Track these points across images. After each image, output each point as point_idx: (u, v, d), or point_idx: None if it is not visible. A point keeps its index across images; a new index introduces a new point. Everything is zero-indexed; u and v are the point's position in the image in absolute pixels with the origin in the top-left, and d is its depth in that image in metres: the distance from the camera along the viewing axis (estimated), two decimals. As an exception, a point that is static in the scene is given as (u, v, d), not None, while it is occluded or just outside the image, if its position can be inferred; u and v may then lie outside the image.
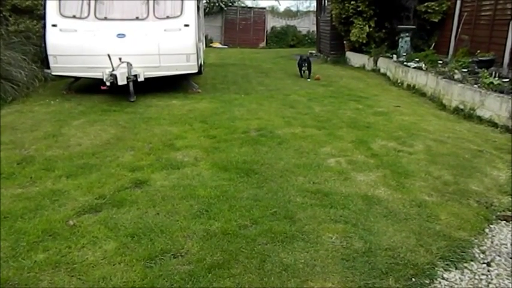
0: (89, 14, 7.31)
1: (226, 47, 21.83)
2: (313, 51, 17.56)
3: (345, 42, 14.02)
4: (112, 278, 2.45)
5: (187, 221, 3.09)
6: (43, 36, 7.47)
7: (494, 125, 5.90)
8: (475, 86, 6.59)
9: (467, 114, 6.49)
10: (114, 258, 2.63)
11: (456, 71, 7.55)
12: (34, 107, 6.64)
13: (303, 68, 10.22)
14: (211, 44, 21.17)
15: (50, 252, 2.68)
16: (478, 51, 8.54)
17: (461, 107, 6.68)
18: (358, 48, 12.93)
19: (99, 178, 3.85)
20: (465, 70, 7.54)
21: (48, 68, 7.42)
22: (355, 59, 13.45)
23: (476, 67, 7.67)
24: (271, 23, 24.18)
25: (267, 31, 23.69)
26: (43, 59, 7.93)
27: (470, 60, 8.15)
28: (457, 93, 6.85)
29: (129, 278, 2.45)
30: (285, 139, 5.06)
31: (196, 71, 7.92)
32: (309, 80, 9.90)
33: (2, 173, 3.91)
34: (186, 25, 7.49)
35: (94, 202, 3.37)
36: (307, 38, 23.87)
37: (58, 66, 7.29)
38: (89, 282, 2.40)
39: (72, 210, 3.24)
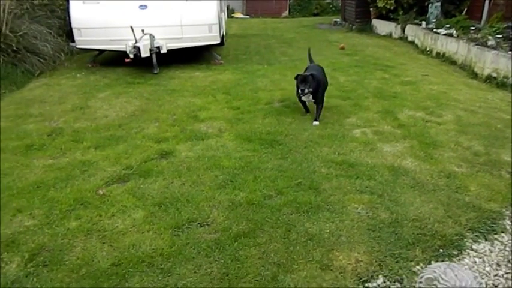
0: (110, -14, 7.26)
1: (248, 17, 21.43)
2: (338, 20, 17.04)
3: (371, 9, 13.49)
4: (141, 245, 2.52)
5: (213, 191, 3.13)
6: (67, 9, 7.50)
7: (530, 93, 5.65)
8: (510, 52, 6.27)
9: (500, 83, 6.22)
10: (143, 227, 2.71)
11: (490, 37, 7.18)
12: (61, 80, 6.75)
13: (305, 95, 4.59)
14: (233, 15, 20.82)
15: (82, 220, 2.78)
16: (514, 15, 8.08)
17: (494, 75, 6.39)
18: (384, 16, 12.43)
19: (126, 149, 3.92)
20: (499, 36, 7.15)
21: (73, 41, 7.48)
22: (382, 26, 12.97)
23: (511, 32, 7.27)
24: (294, -9, 23.47)
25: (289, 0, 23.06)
26: (68, 32, 8.00)
27: (505, 25, 7.71)
28: (490, 61, 6.54)
29: (157, 245, 2.52)
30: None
31: (219, 41, 7.82)
32: (316, 123, 4.56)
33: (34, 145, 4.03)
34: (208, -5, 7.36)
35: (122, 172, 3.45)
36: (331, 5, 23.09)
37: (82, 39, 7.33)
38: (119, 249, 2.48)
39: (101, 180, 3.32)
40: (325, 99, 4.75)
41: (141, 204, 2.97)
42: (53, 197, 3.07)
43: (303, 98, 4.68)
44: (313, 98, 4.61)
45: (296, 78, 4.61)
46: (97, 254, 2.45)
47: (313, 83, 4.48)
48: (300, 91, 4.55)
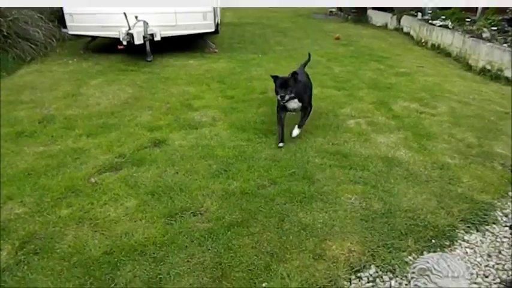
0: (103, -29, 7.12)
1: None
2: (333, 10, 16.95)
3: (367, -1, 13.43)
4: (134, 233, 2.50)
5: (206, 180, 3.11)
6: (59, -6, 7.37)
7: (523, 86, 5.66)
8: (505, 45, 6.27)
9: (494, 75, 6.23)
10: (136, 215, 2.69)
11: (485, 29, 7.18)
12: (53, 66, 6.65)
13: (287, 101, 3.57)
14: (227, 3, 20.60)
15: (74, 208, 2.75)
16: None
17: (489, 67, 6.40)
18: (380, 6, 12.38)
19: (119, 137, 3.88)
20: (494, 28, 7.15)
21: (65, 27, 7.35)
22: (377, 17, 12.92)
23: (506, 25, 7.26)
24: (290, -21, 23.24)
25: (285, -12, 22.83)
26: (60, 18, 7.85)
27: (500, 18, 7.71)
28: (485, 53, 6.55)
29: (150, 234, 2.50)
30: (303, 100, 4.96)
31: (213, 29, 7.74)
32: (296, 132, 3.80)
33: (25, 132, 3.97)
34: (203, -19, 7.26)
35: (114, 161, 3.41)
36: (327, -5, 22.94)
37: (74, 25, 7.21)
38: (111, 238, 2.47)
39: (93, 168, 3.29)
40: (320, 89, 4.70)
41: (134, 192, 2.95)
42: (44, 184, 3.03)
43: (288, 106, 3.65)
44: (299, 101, 3.67)
45: (275, 80, 3.56)
46: (89, 242, 2.43)
47: (296, 86, 3.54)
48: (279, 98, 3.51)
